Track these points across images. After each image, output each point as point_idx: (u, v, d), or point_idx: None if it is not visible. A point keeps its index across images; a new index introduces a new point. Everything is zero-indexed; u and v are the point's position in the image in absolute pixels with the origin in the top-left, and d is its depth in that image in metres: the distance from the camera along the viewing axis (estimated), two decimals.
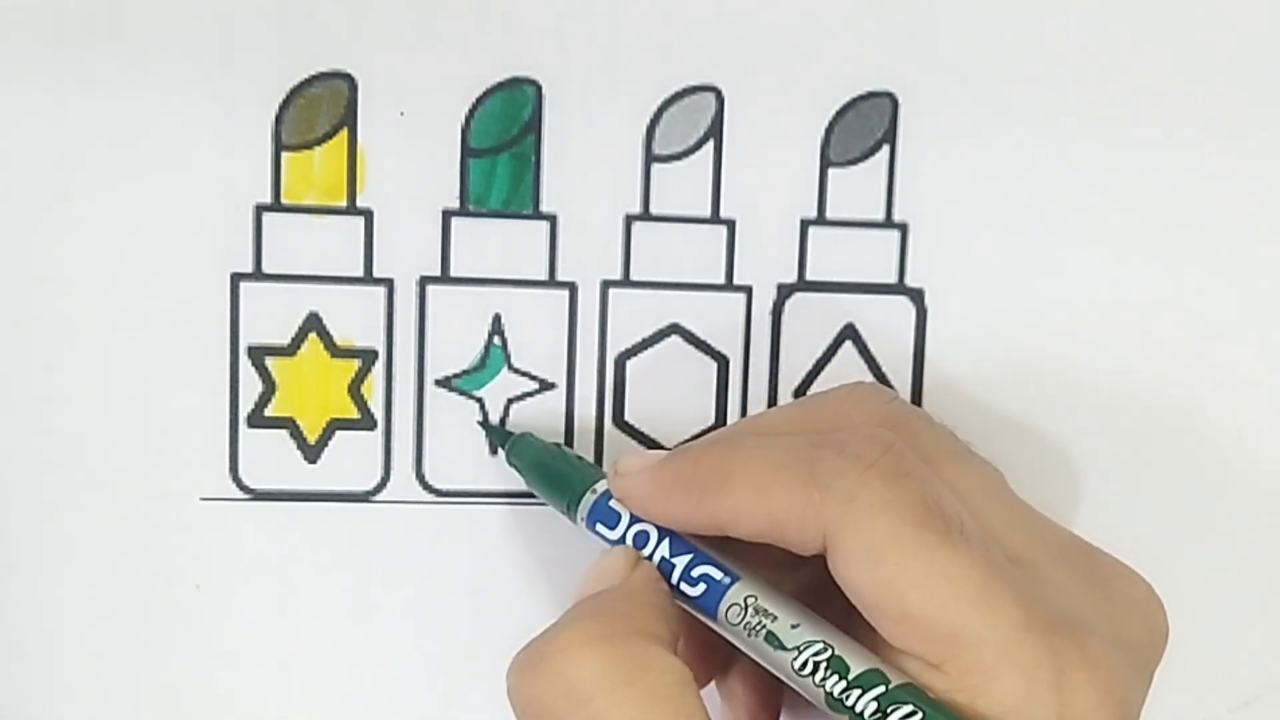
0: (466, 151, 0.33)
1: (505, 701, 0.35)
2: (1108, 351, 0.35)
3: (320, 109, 0.33)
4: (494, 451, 0.34)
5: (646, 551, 0.30)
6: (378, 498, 0.34)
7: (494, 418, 0.34)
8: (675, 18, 0.33)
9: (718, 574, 0.29)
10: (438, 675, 0.35)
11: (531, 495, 0.34)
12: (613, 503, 0.31)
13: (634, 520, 0.30)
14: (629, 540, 0.30)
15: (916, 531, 0.27)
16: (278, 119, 0.33)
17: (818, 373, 0.35)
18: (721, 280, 0.34)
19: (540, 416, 0.34)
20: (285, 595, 0.34)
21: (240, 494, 0.34)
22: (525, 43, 0.33)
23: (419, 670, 0.35)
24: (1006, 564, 0.27)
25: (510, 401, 0.34)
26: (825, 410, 0.32)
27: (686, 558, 0.29)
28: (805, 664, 0.27)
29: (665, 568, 0.30)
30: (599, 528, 0.31)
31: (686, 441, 0.34)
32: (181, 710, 0.34)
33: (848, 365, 0.35)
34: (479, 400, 0.34)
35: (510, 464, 0.34)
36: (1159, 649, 0.29)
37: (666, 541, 0.30)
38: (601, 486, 0.31)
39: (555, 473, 0.32)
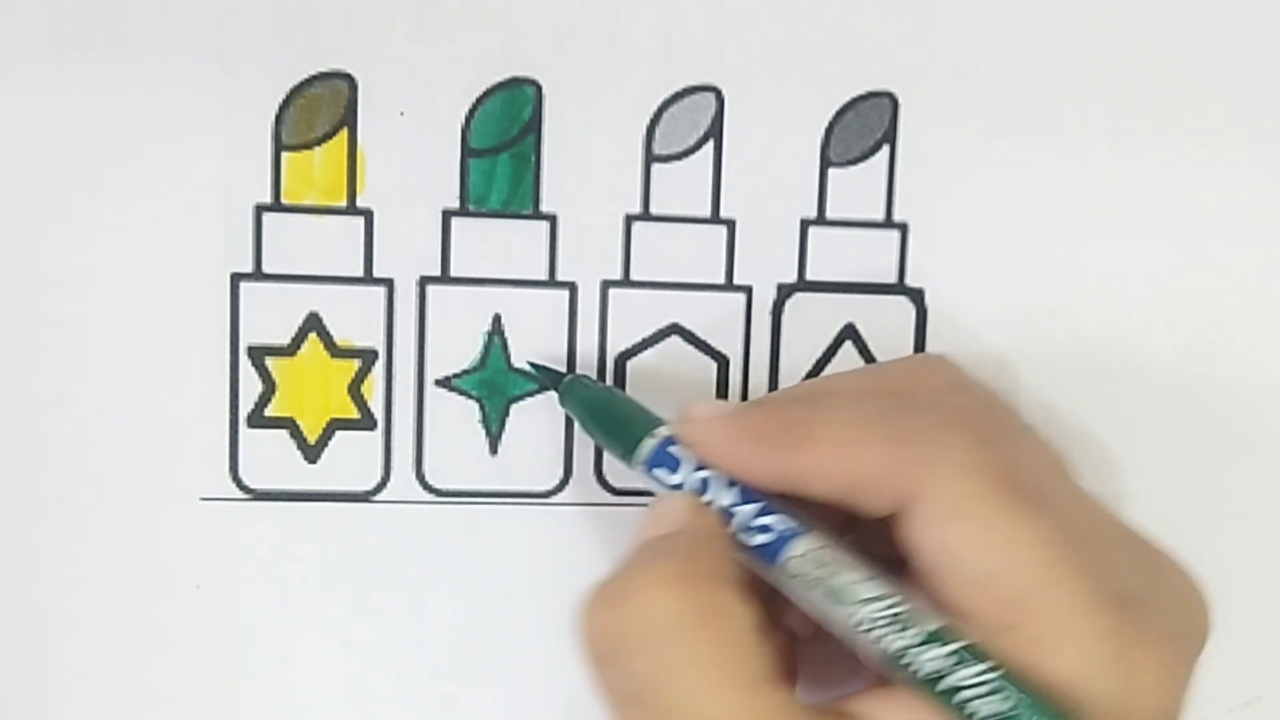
0: (466, 151, 0.33)
1: (505, 701, 0.35)
2: (1108, 350, 0.35)
3: (320, 109, 0.33)
4: (494, 451, 0.34)
5: (706, 499, 0.30)
6: (378, 498, 0.34)
7: (494, 418, 0.34)
8: (675, 18, 0.33)
9: (785, 524, 0.29)
10: (438, 675, 0.35)
11: (531, 495, 0.34)
12: (674, 449, 0.30)
13: (698, 467, 0.30)
14: (689, 486, 0.30)
15: (999, 495, 0.27)
16: (278, 119, 0.33)
17: (818, 373, 0.35)
18: (721, 280, 0.34)
19: (540, 416, 0.34)
20: (285, 595, 0.34)
21: (240, 494, 0.34)
22: (525, 43, 0.33)
23: (419, 670, 0.35)
24: (1077, 538, 0.28)
25: (510, 401, 0.34)
26: (899, 375, 0.32)
27: (753, 506, 0.29)
28: (866, 620, 0.27)
29: (724, 516, 0.29)
30: (658, 472, 0.30)
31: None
32: (182, 710, 0.34)
33: (848, 365, 0.35)
34: (479, 400, 0.34)
35: (563, 406, 0.33)
36: (1203, 642, 0.29)
37: (734, 490, 0.29)
38: (663, 432, 0.31)
39: (613, 415, 0.32)
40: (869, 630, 0.27)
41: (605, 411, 0.32)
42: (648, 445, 0.31)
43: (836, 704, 0.29)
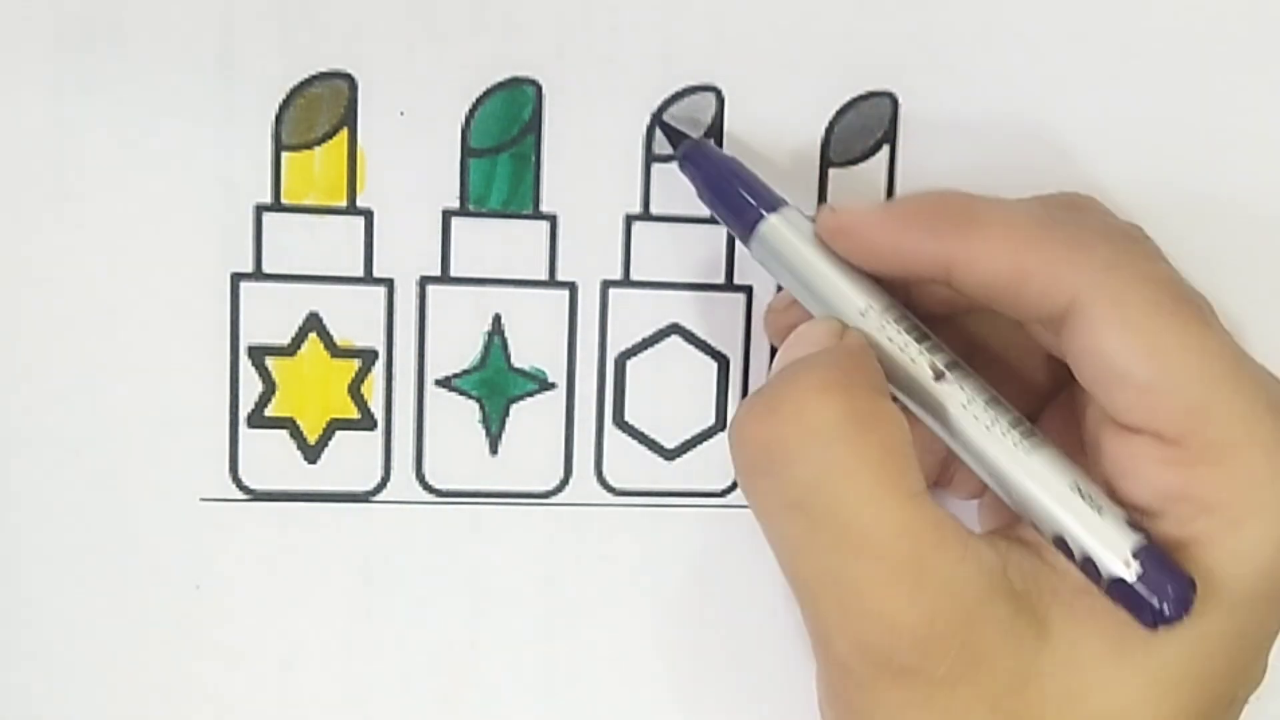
0: (466, 151, 0.33)
1: (505, 701, 0.35)
2: None
3: (320, 109, 0.33)
4: (494, 451, 0.34)
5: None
6: (378, 498, 0.34)
7: (494, 418, 0.34)
8: (675, 18, 0.33)
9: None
10: (438, 675, 0.35)
11: (531, 495, 0.34)
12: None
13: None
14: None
15: (1175, 304, 0.27)
16: (278, 119, 0.33)
17: None
18: (721, 280, 0.34)
19: (540, 416, 0.34)
20: (285, 595, 0.34)
21: (240, 494, 0.34)
22: (525, 43, 0.33)
23: (419, 670, 0.35)
24: (1244, 355, 0.27)
25: (510, 401, 0.34)
26: (1056, 202, 0.31)
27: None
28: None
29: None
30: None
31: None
32: (182, 710, 0.34)
33: None
34: (479, 400, 0.34)
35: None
36: None
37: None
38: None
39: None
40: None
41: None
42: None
43: (1001, 528, 0.29)
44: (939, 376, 0.28)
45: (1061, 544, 0.27)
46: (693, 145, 0.33)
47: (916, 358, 0.28)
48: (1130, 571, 0.26)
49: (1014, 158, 0.34)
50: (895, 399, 0.29)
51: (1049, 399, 0.31)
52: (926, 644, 0.26)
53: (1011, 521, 0.29)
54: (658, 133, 0.34)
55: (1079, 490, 0.27)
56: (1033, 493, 0.27)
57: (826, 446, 0.27)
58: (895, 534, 0.26)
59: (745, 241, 0.31)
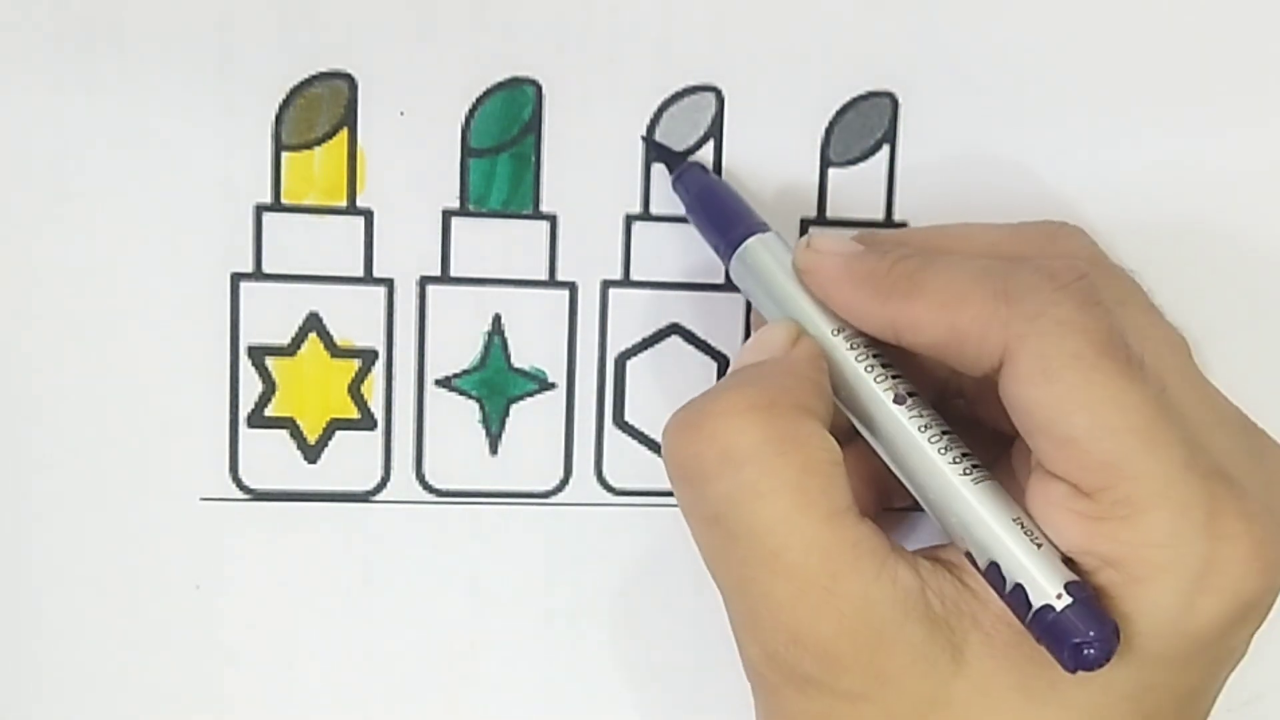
0: (466, 151, 0.33)
1: (505, 701, 0.35)
2: None
3: (320, 109, 0.33)
4: (494, 451, 0.34)
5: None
6: (378, 498, 0.34)
7: (494, 418, 0.34)
8: (675, 18, 0.33)
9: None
10: (438, 675, 0.35)
11: (531, 495, 0.34)
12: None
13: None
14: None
15: (1096, 357, 0.27)
16: (278, 119, 0.33)
17: None
18: (721, 280, 0.34)
19: (540, 416, 0.34)
20: (285, 595, 0.34)
21: (240, 494, 0.34)
22: (525, 43, 0.33)
23: (419, 670, 0.35)
24: (1177, 410, 0.27)
25: (510, 401, 0.34)
26: (1029, 237, 0.31)
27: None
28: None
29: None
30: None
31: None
32: (181, 710, 0.34)
33: None
34: (479, 400, 0.34)
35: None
36: None
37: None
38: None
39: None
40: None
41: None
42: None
43: (932, 550, 0.29)
44: (899, 400, 0.28)
45: (994, 571, 0.27)
46: (688, 166, 0.33)
47: (879, 380, 0.29)
48: (1059, 603, 0.26)
49: (1014, 158, 0.34)
50: (848, 418, 0.29)
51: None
52: (831, 658, 0.27)
53: (936, 546, 0.29)
54: (658, 132, 0.33)
55: (1021, 524, 0.27)
56: (975, 518, 0.27)
57: (739, 469, 0.27)
58: (806, 553, 0.27)
59: (726, 261, 0.32)
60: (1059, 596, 0.26)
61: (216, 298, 0.33)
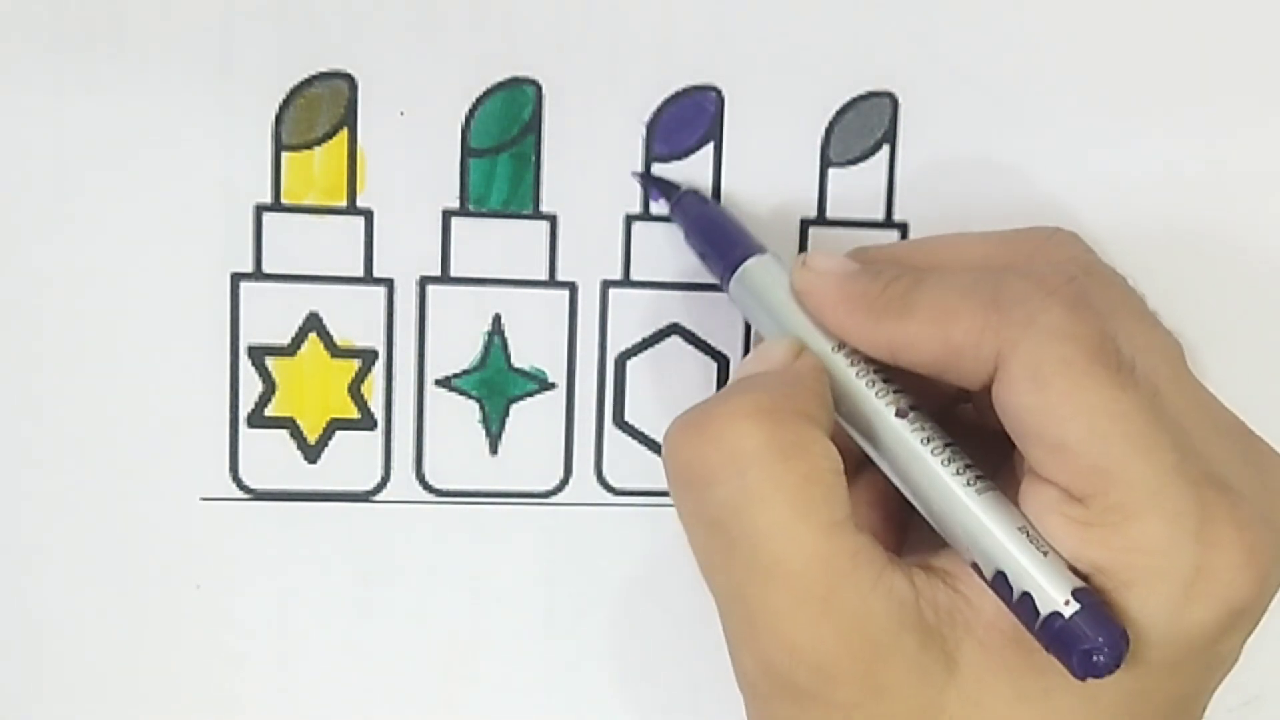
0: (466, 151, 0.33)
1: (505, 701, 0.35)
2: None
3: (320, 109, 0.33)
4: (494, 451, 0.34)
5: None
6: (378, 498, 0.34)
7: (494, 418, 0.34)
8: (675, 18, 0.33)
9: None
10: (438, 675, 0.35)
11: (531, 495, 0.34)
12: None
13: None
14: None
15: (1087, 363, 0.26)
16: (278, 119, 0.33)
17: None
18: None
19: (540, 416, 0.34)
20: (285, 595, 0.34)
21: (240, 494, 0.34)
22: (525, 43, 0.33)
23: (419, 670, 0.35)
24: (1170, 416, 0.27)
25: (510, 401, 0.34)
26: (1021, 246, 0.31)
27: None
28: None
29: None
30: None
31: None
32: (182, 710, 0.34)
33: None
34: (479, 400, 0.34)
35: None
36: None
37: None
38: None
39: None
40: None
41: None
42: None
43: (925, 558, 0.29)
44: (901, 414, 0.28)
45: (1001, 581, 0.27)
46: (685, 193, 0.33)
47: (880, 395, 0.29)
48: (1068, 609, 0.26)
49: (1014, 158, 0.34)
50: (849, 433, 0.29)
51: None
52: (827, 670, 0.27)
53: (929, 554, 0.29)
54: (659, 132, 0.33)
55: (1026, 533, 0.27)
56: (980, 528, 0.27)
57: (743, 473, 0.27)
58: (805, 562, 0.27)
59: (724, 284, 0.32)
60: (1067, 603, 0.26)
61: (216, 298, 0.33)
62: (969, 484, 0.28)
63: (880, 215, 0.34)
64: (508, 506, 0.34)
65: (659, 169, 0.34)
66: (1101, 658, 0.26)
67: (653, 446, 0.35)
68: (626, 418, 0.35)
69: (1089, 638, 0.26)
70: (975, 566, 0.28)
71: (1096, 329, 0.27)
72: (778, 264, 0.31)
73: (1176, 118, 0.35)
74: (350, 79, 0.33)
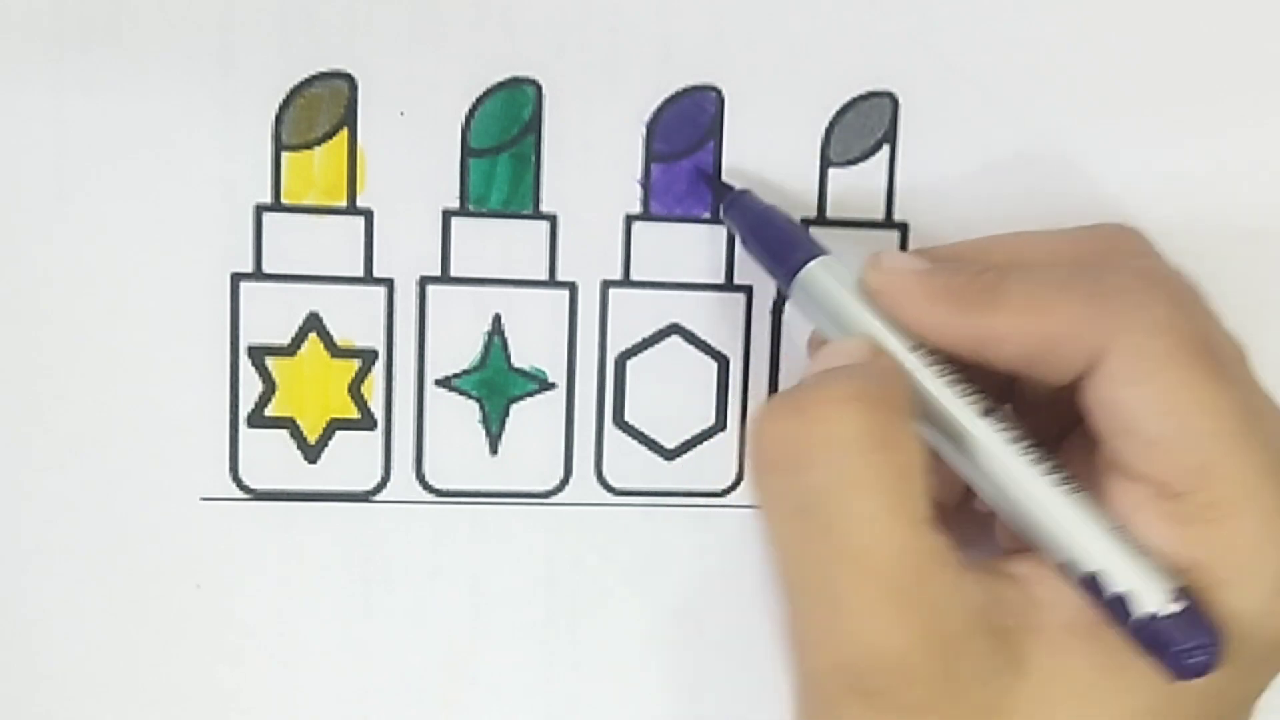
0: (466, 151, 0.33)
1: (505, 701, 0.35)
2: None
3: (320, 109, 0.33)
4: (494, 451, 0.34)
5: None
6: (378, 498, 0.34)
7: (494, 418, 0.34)
8: (675, 18, 0.33)
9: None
10: (438, 675, 0.35)
11: (531, 495, 0.34)
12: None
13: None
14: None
15: (1191, 358, 0.27)
16: (278, 119, 0.33)
17: None
18: (721, 280, 0.34)
19: (540, 416, 0.34)
20: (285, 595, 0.34)
21: (240, 494, 0.34)
22: (525, 43, 0.33)
23: (419, 670, 0.35)
24: (1260, 413, 0.27)
25: (510, 401, 0.34)
26: (1091, 240, 0.31)
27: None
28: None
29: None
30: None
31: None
32: (182, 710, 0.34)
33: None
34: (479, 400, 0.34)
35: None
36: None
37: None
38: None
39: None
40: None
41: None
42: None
43: (994, 562, 0.29)
44: (987, 413, 0.28)
45: (1090, 583, 0.27)
46: (737, 195, 0.33)
47: (964, 395, 0.29)
48: (1167, 609, 0.26)
49: (1014, 157, 0.34)
50: (928, 432, 0.29)
51: (1057, 441, 0.31)
52: (901, 670, 0.27)
53: (994, 558, 0.29)
54: (659, 132, 0.33)
55: (1121, 533, 0.27)
56: (1076, 528, 0.27)
57: (843, 456, 0.27)
58: (892, 556, 0.27)
59: (786, 287, 0.31)
60: (1166, 604, 0.26)
61: (216, 298, 0.33)
62: (1060, 484, 0.27)
63: (880, 215, 0.34)
64: (508, 506, 0.34)
65: (658, 169, 0.34)
66: (1201, 658, 0.26)
67: (653, 446, 0.35)
68: (626, 418, 0.35)
69: (1189, 638, 0.26)
70: (1063, 567, 0.27)
71: (1196, 325, 0.27)
72: (842, 265, 0.31)
73: (1177, 117, 0.35)
74: (350, 79, 0.33)
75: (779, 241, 0.32)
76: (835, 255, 0.31)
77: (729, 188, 0.33)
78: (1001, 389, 0.31)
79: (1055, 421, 0.29)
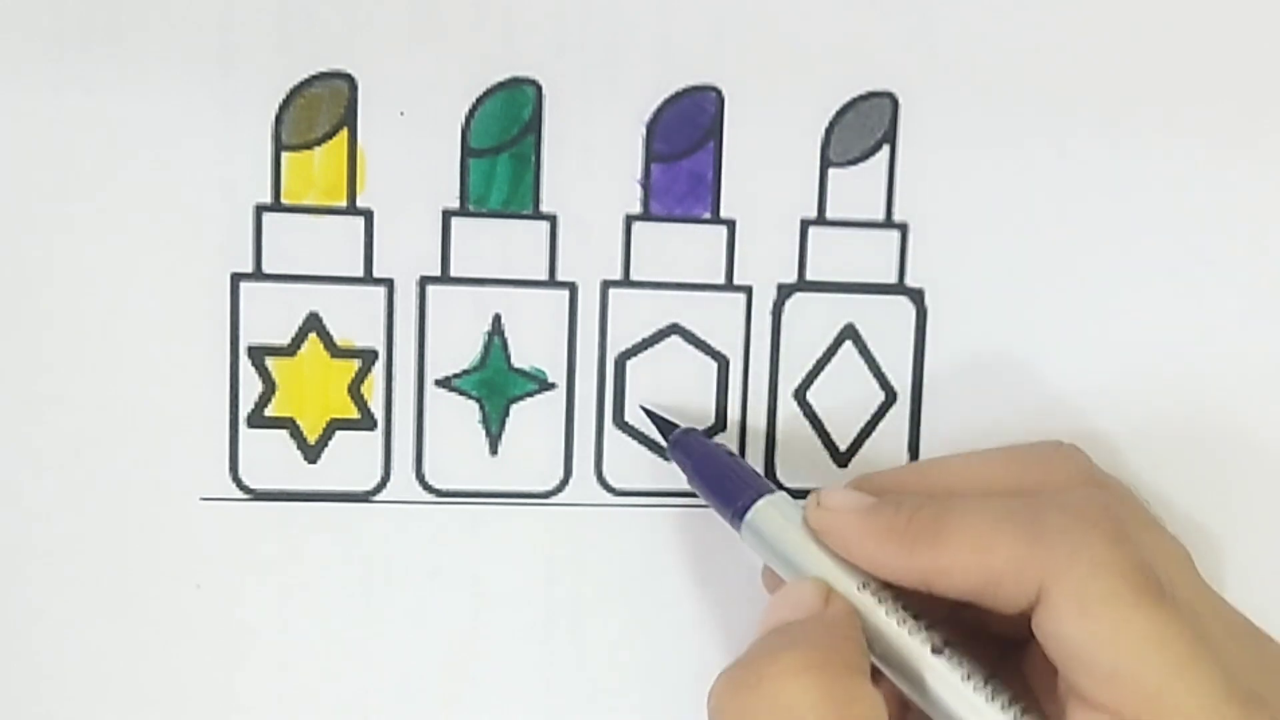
0: (466, 151, 0.33)
1: (505, 701, 0.35)
2: (1108, 351, 0.35)
3: (320, 109, 0.33)
4: (494, 451, 0.34)
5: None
6: (378, 498, 0.34)
7: (494, 418, 0.34)
8: (675, 18, 0.33)
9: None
10: (438, 675, 0.35)
11: (531, 495, 0.34)
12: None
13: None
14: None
15: (1134, 593, 0.27)
16: (278, 119, 0.33)
17: (818, 373, 0.35)
18: (721, 280, 0.34)
19: (540, 416, 0.34)
20: (285, 595, 0.34)
21: (240, 494, 0.34)
22: (525, 43, 0.33)
23: (419, 670, 0.35)
24: (1205, 635, 0.28)
25: (510, 401, 0.34)
26: (1030, 466, 0.32)
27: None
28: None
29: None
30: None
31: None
32: (182, 710, 0.34)
33: (848, 365, 0.35)
34: (479, 400, 0.34)
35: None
36: None
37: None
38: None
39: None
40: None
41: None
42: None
43: None
44: (936, 651, 0.29)
45: None
46: (682, 434, 0.33)
47: (913, 634, 0.29)
48: None
49: (1013, 157, 0.34)
50: (882, 672, 0.29)
51: (1014, 650, 0.32)
52: None
53: None
54: (659, 132, 0.34)
55: None
56: None
57: None
58: None
59: (735, 527, 0.32)
60: None
61: (216, 298, 0.33)
62: (1017, 718, 0.28)
63: (880, 215, 0.34)
64: (508, 506, 0.34)
65: (658, 169, 0.34)
66: None
67: (653, 446, 0.35)
68: (626, 418, 0.35)
69: None
70: None
71: (1137, 558, 0.28)
72: (789, 503, 0.31)
73: (1176, 116, 0.35)
74: (350, 79, 0.33)
75: (726, 480, 0.32)
76: (783, 495, 0.31)
77: (673, 425, 0.34)
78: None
79: (1025, 625, 0.30)
